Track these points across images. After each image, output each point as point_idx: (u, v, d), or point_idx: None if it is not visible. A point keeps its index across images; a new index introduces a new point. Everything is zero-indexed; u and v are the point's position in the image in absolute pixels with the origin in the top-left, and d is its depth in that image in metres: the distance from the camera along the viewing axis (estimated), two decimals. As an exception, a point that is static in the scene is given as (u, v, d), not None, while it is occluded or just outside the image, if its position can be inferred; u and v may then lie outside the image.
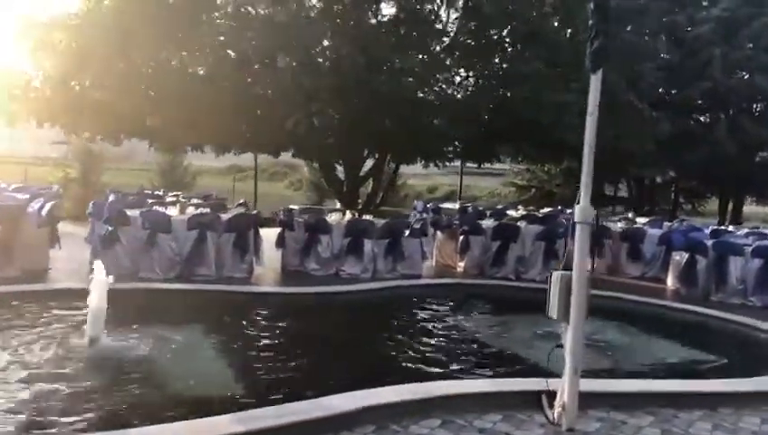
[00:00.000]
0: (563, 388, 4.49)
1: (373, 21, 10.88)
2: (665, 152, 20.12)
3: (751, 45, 20.22)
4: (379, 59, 10.10)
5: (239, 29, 10.21)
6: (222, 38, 10.44)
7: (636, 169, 21.21)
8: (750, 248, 10.59)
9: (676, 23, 19.80)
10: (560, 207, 21.20)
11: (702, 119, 22.20)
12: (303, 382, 5.33)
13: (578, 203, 4.52)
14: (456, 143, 12.42)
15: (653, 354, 6.90)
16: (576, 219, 4.51)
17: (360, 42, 10.11)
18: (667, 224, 16.87)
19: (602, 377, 6.04)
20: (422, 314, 8.67)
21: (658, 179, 25.96)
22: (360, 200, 16.09)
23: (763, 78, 19.53)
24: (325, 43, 10.26)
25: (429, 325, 8.11)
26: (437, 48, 11.40)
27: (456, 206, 20.21)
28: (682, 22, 19.90)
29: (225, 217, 9.94)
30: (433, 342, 7.23)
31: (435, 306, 9.06)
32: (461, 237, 12.36)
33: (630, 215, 19.90)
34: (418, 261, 11.50)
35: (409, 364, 6.14)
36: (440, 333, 7.70)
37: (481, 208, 18.63)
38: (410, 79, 10.46)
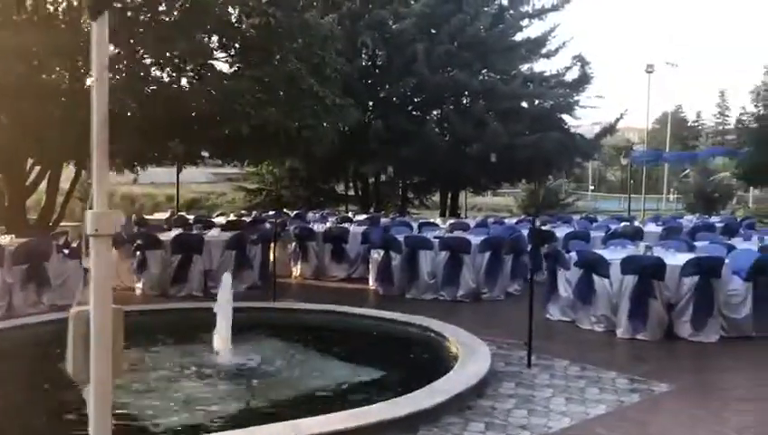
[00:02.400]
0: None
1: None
2: (383, 148, 20.36)
3: (456, 43, 21.20)
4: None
5: None
6: None
7: (354, 166, 21.18)
8: (437, 241, 10.40)
9: (381, 17, 20.04)
10: (282, 211, 20.49)
11: (418, 114, 22.85)
12: None
13: (90, 208, 3.18)
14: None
15: (311, 378, 5.92)
16: (88, 230, 3.16)
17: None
18: (383, 220, 16.89)
19: (236, 417, 4.89)
20: (51, 360, 6.85)
21: (383, 177, 26.42)
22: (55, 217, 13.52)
23: (464, 74, 20.53)
24: None
25: (43, 375, 6.35)
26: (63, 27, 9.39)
27: (165, 216, 18.46)
28: (386, 16, 20.20)
29: None
30: (26, 399, 5.53)
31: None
32: (137, 254, 10.70)
33: (350, 214, 19.84)
34: (77, 288, 9.60)
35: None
36: (46, 384, 5.99)
37: (192, 217, 17.12)
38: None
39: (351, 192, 26.50)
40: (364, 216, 18.68)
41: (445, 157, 20.73)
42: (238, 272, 10.92)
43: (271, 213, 19.37)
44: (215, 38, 12.00)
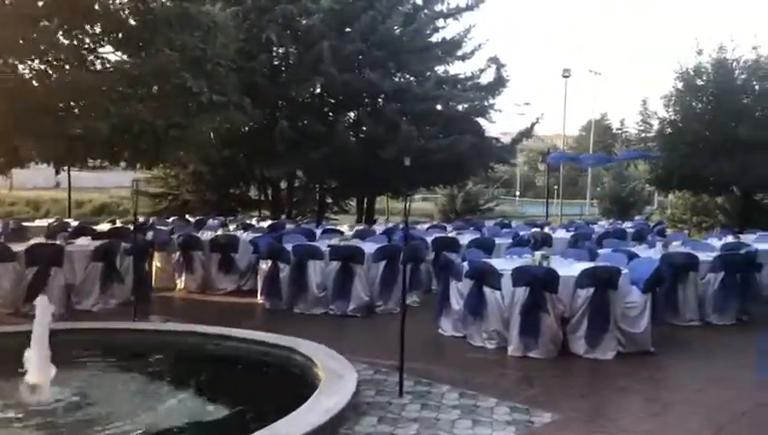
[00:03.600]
0: None
1: None
2: (291, 151, 19.50)
3: (368, 42, 20.48)
4: None
5: None
6: None
7: (260, 170, 20.21)
8: (328, 250, 9.63)
9: (287, 12, 19.13)
10: (182, 217, 19.31)
11: (330, 115, 22.02)
12: None
13: None
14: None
15: (139, 419, 5.02)
16: None
17: None
18: (288, 226, 16.02)
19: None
20: None
21: (298, 181, 25.54)
22: None
23: (376, 74, 19.85)
24: None
25: None
26: None
27: (47, 223, 17.02)
28: (293, 12, 19.30)
29: None
30: None
31: None
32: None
33: (254, 220, 18.87)
34: None
35: None
36: None
37: (75, 224, 15.80)
38: None
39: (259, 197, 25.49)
40: (269, 222, 17.82)
41: (357, 160, 20.02)
42: (106, 286, 9.89)
43: (170, 219, 18.21)
44: (97, 28, 10.93)
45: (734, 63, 20.29)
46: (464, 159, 20.31)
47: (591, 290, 6.97)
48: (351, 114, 22.58)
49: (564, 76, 29.94)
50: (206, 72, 10.41)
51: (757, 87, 19.95)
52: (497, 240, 12.48)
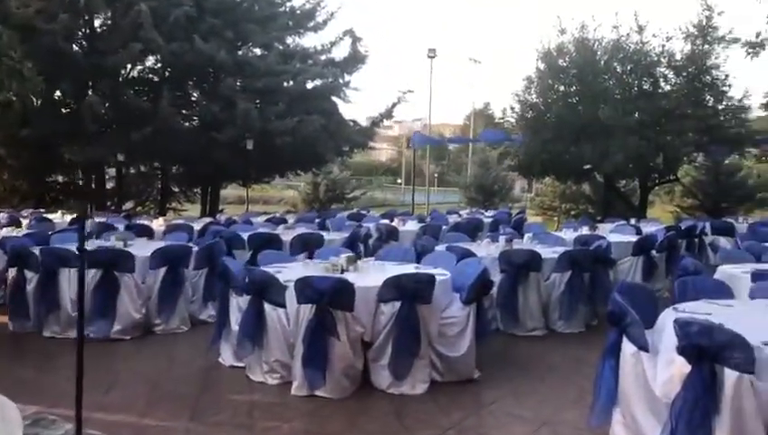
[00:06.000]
0: None
1: None
2: (107, 131, 17.12)
3: (200, 7, 18.25)
4: None
5: None
6: None
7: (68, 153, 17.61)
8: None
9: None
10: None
11: (155, 90, 19.55)
12: None
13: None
14: None
15: None
16: None
17: None
18: (93, 221, 13.74)
19: None
20: None
21: (142, 167, 23.01)
22: None
23: (211, 45, 17.74)
24: None
25: None
26: None
27: None
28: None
29: None
30: None
31: None
32: None
33: (58, 214, 16.33)
34: None
35: None
36: None
37: None
38: None
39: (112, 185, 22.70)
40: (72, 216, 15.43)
41: (191, 143, 17.88)
42: None
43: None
44: None
45: (596, 44, 19.82)
46: (312, 141, 18.60)
47: (398, 305, 5.48)
48: (176, 89, 20.25)
49: (429, 57, 29.00)
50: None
51: (619, 69, 19.57)
52: (330, 236, 10.91)
